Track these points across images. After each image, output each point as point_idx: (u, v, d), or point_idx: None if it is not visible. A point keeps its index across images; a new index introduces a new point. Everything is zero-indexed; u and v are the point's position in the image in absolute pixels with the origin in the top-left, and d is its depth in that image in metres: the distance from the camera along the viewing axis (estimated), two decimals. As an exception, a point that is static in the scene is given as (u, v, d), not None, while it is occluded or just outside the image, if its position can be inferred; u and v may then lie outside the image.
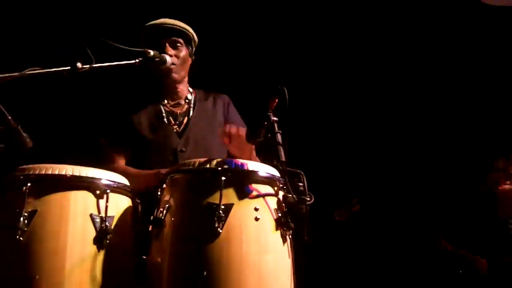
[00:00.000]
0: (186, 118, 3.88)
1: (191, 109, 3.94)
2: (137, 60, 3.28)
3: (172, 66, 3.72)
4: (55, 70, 2.92)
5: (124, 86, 5.60)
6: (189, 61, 3.98)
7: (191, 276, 2.52)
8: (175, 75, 3.81)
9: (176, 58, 3.79)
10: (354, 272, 8.86)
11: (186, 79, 3.99)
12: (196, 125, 3.86)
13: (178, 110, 3.91)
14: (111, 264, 2.66)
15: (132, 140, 3.78)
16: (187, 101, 3.97)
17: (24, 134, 2.82)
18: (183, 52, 3.87)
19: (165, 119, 3.83)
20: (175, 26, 3.84)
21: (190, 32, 3.91)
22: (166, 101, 3.91)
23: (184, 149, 3.72)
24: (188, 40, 3.91)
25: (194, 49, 4.01)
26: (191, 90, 4.04)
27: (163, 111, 3.86)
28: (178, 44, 3.84)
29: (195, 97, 4.01)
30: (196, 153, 3.66)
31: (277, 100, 2.93)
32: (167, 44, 3.76)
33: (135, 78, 4.38)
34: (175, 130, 3.81)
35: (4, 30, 5.89)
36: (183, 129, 3.83)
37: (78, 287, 2.55)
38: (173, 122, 3.84)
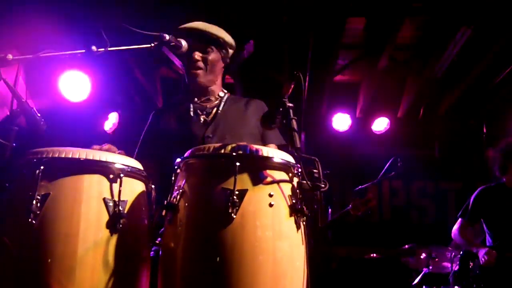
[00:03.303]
0: (215, 109, 3.88)
1: (222, 103, 3.93)
2: (152, 44, 3.27)
3: (198, 71, 3.77)
4: (69, 53, 2.92)
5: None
6: (220, 64, 3.95)
7: (205, 261, 2.51)
8: (201, 80, 3.83)
9: (202, 62, 3.81)
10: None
11: (217, 82, 3.98)
12: (225, 116, 3.86)
13: (207, 104, 3.92)
14: (124, 249, 2.66)
15: (160, 142, 3.82)
16: (218, 97, 3.97)
17: (38, 117, 2.83)
18: (212, 56, 3.85)
19: (191, 113, 3.84)
20: (204, 32, 3.83)
21: (221, 38, 3.88)
22: (196, 99, 3.92)
23: (211, 135, 3.71)
24: (218, 44, 3.89)
25: (229, 51, 3.99)
26: (225, 91, 4.04)
27: (192, 107, 3.87)
28: (208, 49, 3.84)
29: (228, 97, 4.01)
30: (224, 140, 3.67)
31: (292, 86, 2.91)
32: (194, 49, 3.77)
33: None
34: (202, 120, 3.82)
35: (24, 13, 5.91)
36: (212, 119, 3.83)
37: (90, 271, 2.55)
38: (200, 113, 3.85)
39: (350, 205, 7.55)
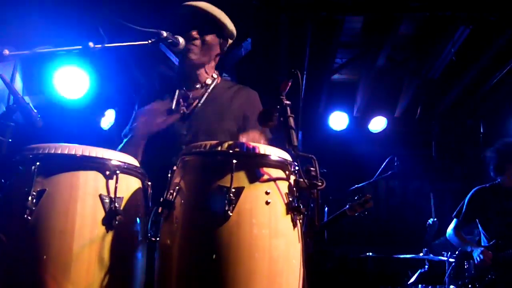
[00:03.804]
0: (196, 101, 3.81)
1: (206, 93, 3.85)
2: (150, 41, 3.26)
3: (192, 46, 3.71)
4: (66, 49, 2.91)
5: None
6: (217, 49, 3.89)
7: (201, 259, 2.50)
8: (192, 56, 3.75)
9: (198, 40, 3.75)
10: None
11: (209, 65, 3.91)
12: (204, 109, 3.78)
13: (191, 93, 3.85)
14: (119, 246, 2.65)
15: (145, 130, 3.76)
16: (204, 85, 3.89)
17: (34, 113, 2.82)
18: (210, 37, 3.80)
19: (174, 103, 3.79)
20: (208, 13, 3.77)
21: (224, 23, 3.83)
22: (183, 85, 3.87)
23: (185, 133, 3.66)
24: (219, 29, 3.84)
25: (227, 39, 3.94)
26: (215, 76, 3.95)
27: (176, 96, 3.82)
28: (208, 31, 3.78)
29: (216, 84, 3.93)
30: (198, 137, 3.59)
31: (290, 83, 2.90)
32: (194, 27, 3.74)
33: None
34: (181, 112, 3.75)
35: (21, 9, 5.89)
36: (190, 112, 3.77)
37: (86, 268, 2.54)
38: (182, 104, 3.79)
39: (348, 206, 7.55)
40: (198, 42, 3.73)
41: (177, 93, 3.82)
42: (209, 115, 3.77)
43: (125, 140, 3.79)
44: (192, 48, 3.71)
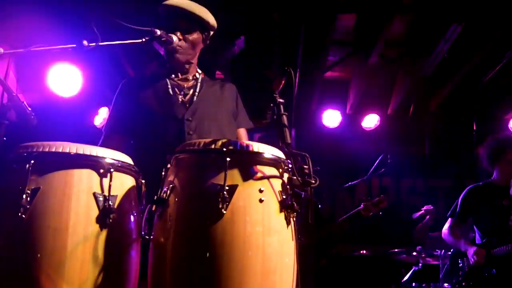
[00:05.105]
0: (192, 91, 3.87)
1: (199, 84, 3.92)
2: (143, 39, 3.27)
3: (177, 47, 3.71)
4: (60, 47, 2.91)
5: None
6: (200, 45, 3.96)
7: (194, 257, 2.51)
8: (179, 56, 3.80)
9: (183, 41, 3.77)
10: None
11: (194, 61, 3.98)
12: (203, 98, 3.86)
13: (184, 84, 3.91)
14: (113, 244, 2.66)
15: (138, 117, 3.78)
16: (195, 77, 3.97)
17: (29, 111, 2.82)
18: (194, 36, 3.84)
19: (170, 90, 3.82)
20: (190, 13, 3.79)
21: (205, 19, 3.86)
22: (173, 76, 3.91)
23: (190, 118, 3.70)
24: (202, 26, 3.88)
25: (209, 32, 3.97)
26: (199, 71, 4.03)
27: (169, 84, 3.86)
28: (191, 30, 3.83)
29: (203, 78, 4.00)
30: (203, 123, 3.72)
31: (283, 81, 2.90)
32: (176, 28, 3.75)
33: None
34: (180, 100, 3.80)
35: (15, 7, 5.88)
36: (190, 100, 3.83)
37: (80, 266, 2.54)
38: (178, 93, 3.83)
39: (362, 206, 7.56)
40: (183, 43, 3.76)
41: (168, 82, 3.86)
42: (209, 102, 3.86)
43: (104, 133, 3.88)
44: (178, 49, 3.75)
